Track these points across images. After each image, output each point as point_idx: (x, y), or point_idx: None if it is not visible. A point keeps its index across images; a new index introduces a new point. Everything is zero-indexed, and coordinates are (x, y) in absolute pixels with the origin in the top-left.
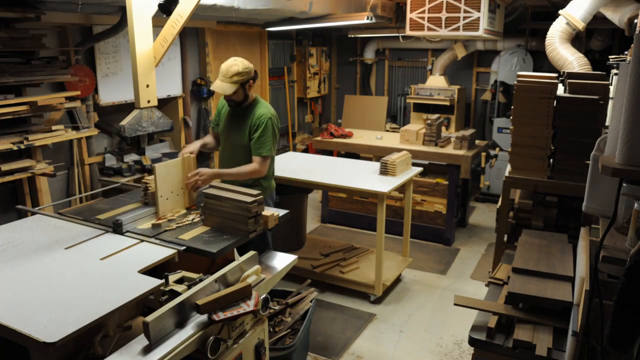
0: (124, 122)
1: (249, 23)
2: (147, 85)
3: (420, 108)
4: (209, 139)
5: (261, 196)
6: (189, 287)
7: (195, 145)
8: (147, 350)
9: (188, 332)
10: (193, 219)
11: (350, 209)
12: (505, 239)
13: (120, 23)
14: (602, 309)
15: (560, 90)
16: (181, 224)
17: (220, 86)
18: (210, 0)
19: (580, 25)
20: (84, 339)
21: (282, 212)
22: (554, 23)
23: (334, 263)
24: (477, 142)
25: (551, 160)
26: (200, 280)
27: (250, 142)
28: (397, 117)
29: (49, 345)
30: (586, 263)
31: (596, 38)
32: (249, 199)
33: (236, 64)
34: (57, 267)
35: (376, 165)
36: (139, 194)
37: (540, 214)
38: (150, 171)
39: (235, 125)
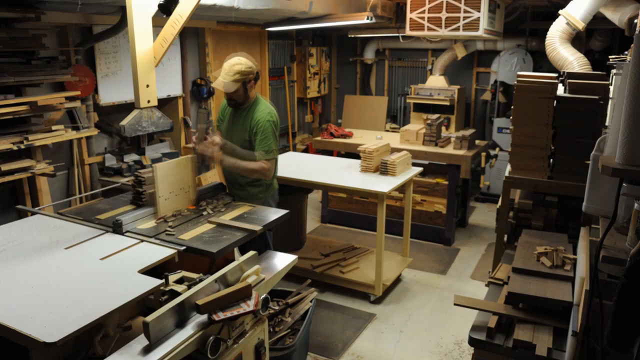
0: (124, 122)
1: (249, 23)
2: (147, 85)
3: (420, 108)
4: None
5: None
6: (189, 287)
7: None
8: (147, 350)
9: (188, 332)
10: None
11: (350, 209)
12: (505, 239)
13: (120, 23)
14: (602, 309)
15: (560, 90)
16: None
17: (222, 84)
18: (210, 0)
19: (580, 25)
20: (84, 339)
21: (282, 212)
22: (554, 23)
23: (334, 263)
24: (477, 142)
25: (551, 160)
26: (200, 280)
27: (252, 144)
28: (397, 117)
29: (49, 345)
30: (586, 263)
31: (596, 38)
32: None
33: (239, 62)
34: (57, 267)
35: None
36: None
37: (540, 214)
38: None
39: (237, 126)
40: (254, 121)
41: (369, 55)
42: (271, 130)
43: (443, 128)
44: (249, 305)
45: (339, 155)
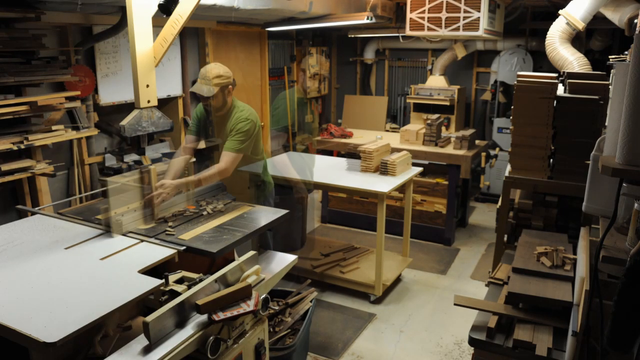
0: (124, 122)
1: (249, 23)
2: (147, 85)
3: (420, 108)
4: (186, 155)
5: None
6: (189, 287)
7: (174, 177)
8: (147, 350)
9: (188, 332)
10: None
11: (350, 209)
12: (505, 239)
13: (120, 23)
14: (602, 309)
15: (560, 90)
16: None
17: (199, 88)
18: (210, 0)
19: (580, 25)
20: (83, 339)
21: (282, 212)
22: (554, 23)
23: (334, 263)
24: (477, 142)
25: (551, 160)
26: (200, 280)
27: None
28: (397, 117)
29: (49, 346)
30: (586, 263)
31: (596, 38)
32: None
33: (217, 66)
34: (57, 267)
35: None
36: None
37: (540, 214)
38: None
39: (221, 135)
40: (235, 119)
41: (369, 55)
42: (248, 128)
43: (443, 128)
44: (249, 305)
45: (339, 155)
